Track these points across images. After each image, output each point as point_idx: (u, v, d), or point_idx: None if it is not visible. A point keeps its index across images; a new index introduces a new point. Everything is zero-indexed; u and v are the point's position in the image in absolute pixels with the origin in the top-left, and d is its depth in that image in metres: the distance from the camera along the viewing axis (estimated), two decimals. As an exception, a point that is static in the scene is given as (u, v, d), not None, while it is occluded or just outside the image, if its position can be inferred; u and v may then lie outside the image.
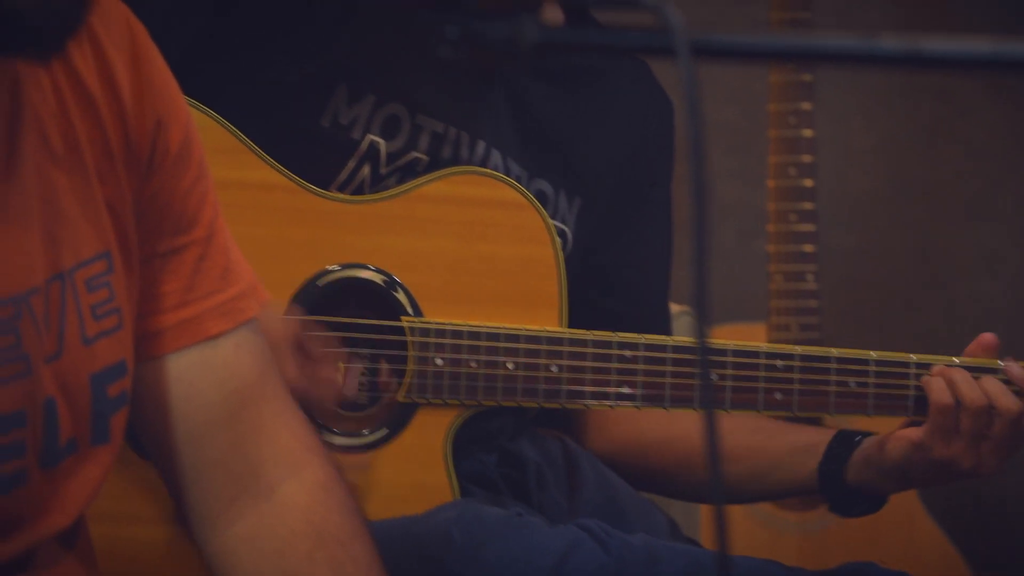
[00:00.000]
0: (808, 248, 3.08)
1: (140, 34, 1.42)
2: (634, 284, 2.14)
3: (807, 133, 3.07)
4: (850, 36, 0.97)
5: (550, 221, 1.97)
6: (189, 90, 1.50)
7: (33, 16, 1.16)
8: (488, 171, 1.99)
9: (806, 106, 3.05)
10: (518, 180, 2.01)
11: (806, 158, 3.07)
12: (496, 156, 2.01)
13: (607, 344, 1.96)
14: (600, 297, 2.10)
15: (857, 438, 2.00)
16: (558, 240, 1.97)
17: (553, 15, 1.15)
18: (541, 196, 2.03)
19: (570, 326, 1.97)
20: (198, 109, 1.84)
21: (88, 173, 1.36)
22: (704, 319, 1.01)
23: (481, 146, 2.00)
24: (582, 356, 1.96)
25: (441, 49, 1.08)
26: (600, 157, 2.09)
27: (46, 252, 1.33)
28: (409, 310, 1.95)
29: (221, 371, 1.47)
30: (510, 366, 1.95)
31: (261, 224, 1.93)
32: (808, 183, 3.07)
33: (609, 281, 2.12)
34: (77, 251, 1.36)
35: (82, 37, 1.35)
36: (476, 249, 1.97)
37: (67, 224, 1.34)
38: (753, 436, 2.07)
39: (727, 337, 2.07)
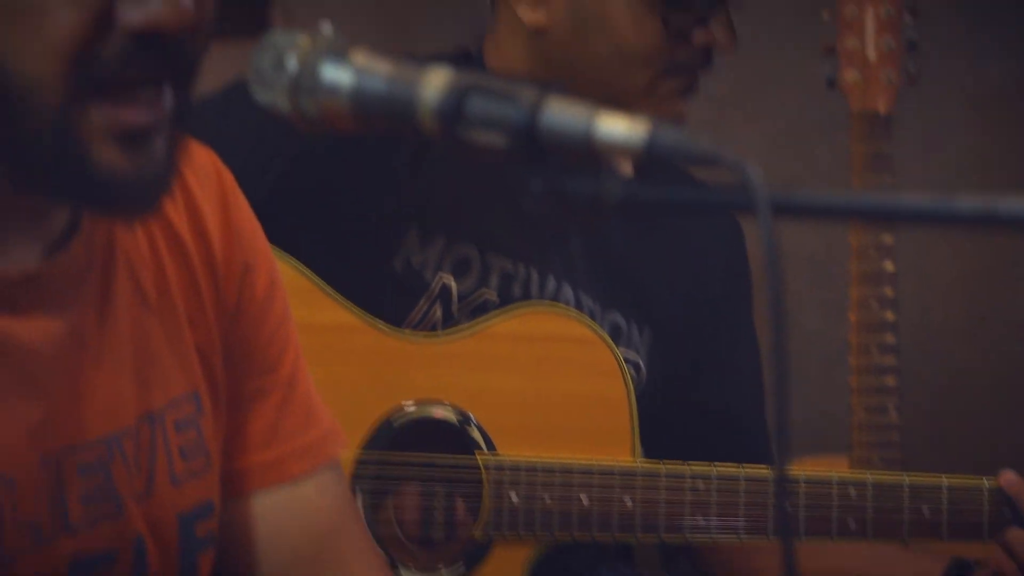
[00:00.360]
0: (890, 381, 3.07)
1: (228, 181, 1.48)
2: (726, 412, 2.15)
3: (888, 266, 3.06)
4: (927, 197, 0.98)
5: (620, 356, 1.99)
6: (267, 233, 1.54)
7: (128, 184, 1.20)
8: (559, 306, 2.01)
9: (888, 239, 3.05)
10: (591, 313, 2.03)
11: (888, 291, 3.06)
12: (567, 290, 2.04)
13: (680, 476, 1.97)
14: (692, 428, 2.12)
15: (970, 566, 2.00)
16: (629, 374, 1.99)
17: (626, 167, 1.17)
18: (614, 328, 2.05)
19: (664, 459, 1.98)
20: (275, 253, 1.88)
21: (179, 318, 1.41)
22: (783, 450, 1.02)
23: (552, 282, 2.03)
24: (655, 488, 1.97)
25: (525, 203, 1.10)
26: (672, 287, 2.11)
27: (137, 394, 1.37)
28: (483, 446, 1.97)
29: (303, 511, 1.50)
30: (584, 500, 1.96)
31: (336, 364, 1.96)
32: (890, 316, 3.06)
33: (699, 411, 2.13)
34: (167, 393, 1.39)
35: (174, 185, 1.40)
36: (548, 385, 1.99)
37: (158, 367, 1.39)
38: (874, 567, 2.07)
39: (809, 470, 2.07)
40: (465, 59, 2.07)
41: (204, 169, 1.46)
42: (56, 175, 1.19)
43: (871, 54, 2.80)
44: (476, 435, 1.98)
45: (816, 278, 3.66)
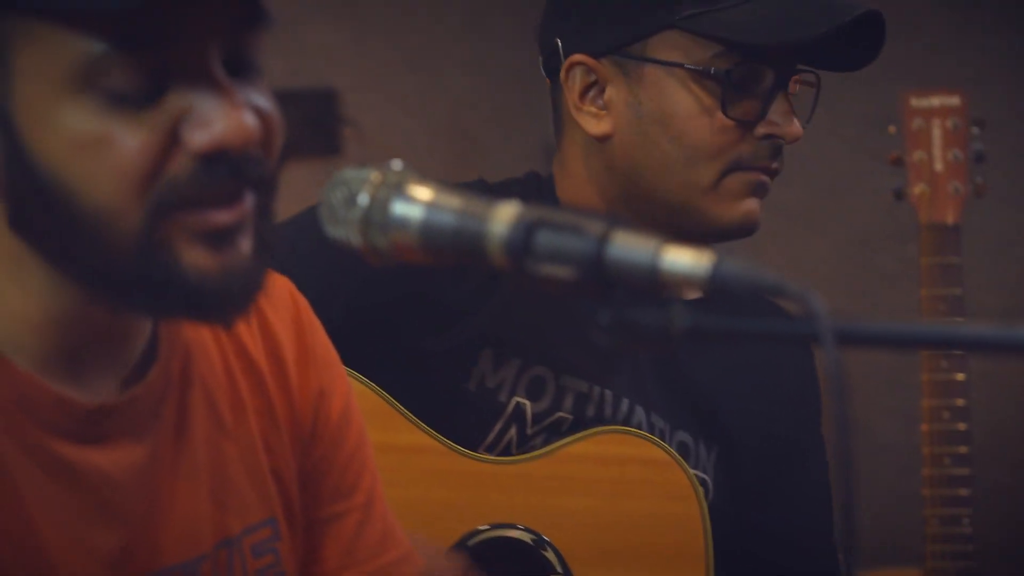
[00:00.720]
0: (963, 492, 3.05)
1: (303, 307, 1.50)
2: (794, 532, 2.14)
3: (959, 377, 3.05)
4: (993, 326, 0.99)
5: (695, 478, 1.99)
6: (340, 356, 1.56)
7: (219, 284, 1.22)
8: (633, 430, 2.02)
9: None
10: (660, 433, 2.04)
11: (959, 401, 3.05)
12: (640, 412, 2.05)
13: None
14: (761, 547, 2.11)
15: None
16: (703, 497, 1.99)
17: (693, 293, 1.19)
18: (683, 447, 2.05)
19: None
20: (349, 375, 1.91)
21: (255, 443, 1.43)
22: (852, 562, 1.03)
23: (625, 403, 2.04)
24: None
25: (594, 335, 1.12)
26: (741, 406, 2.11)
27: (215, 519, 1.39)
28: (559, 568, 1.97)
29: None
30: None
31: (412, 486, 1.98)
32: (962, 426, 3.05)
33: (768, 531, 2.12)
34: (244, 518, 1.41)
35: (248, 312, 1.43)
36: (623, 507, 1.99)
37: (235, 491, 1.40)
38: None
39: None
40: (535, 181, 2.10)
41: (279, 295, 1.48)
42: (146, 288, 1.21)
43: (938, 166, 2.82)
44: (551, 557, 1.98)
45: (888, 388, 3.65)
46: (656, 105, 1.95)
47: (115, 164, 1.17)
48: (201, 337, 1.40)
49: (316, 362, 1.48)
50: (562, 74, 2.01)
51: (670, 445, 2.03)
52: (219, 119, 1.18)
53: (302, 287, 1.55)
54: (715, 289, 1.07)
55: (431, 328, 2.01)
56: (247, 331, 1.44)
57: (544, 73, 2.05)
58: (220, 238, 1.21)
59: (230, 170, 1.20)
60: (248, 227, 1.23)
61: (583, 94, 1.99)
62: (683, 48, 1.93)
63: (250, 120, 1.20)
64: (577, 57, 1.99)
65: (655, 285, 1.09)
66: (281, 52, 3.23)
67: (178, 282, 1.20)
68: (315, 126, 3.47)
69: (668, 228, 1.90)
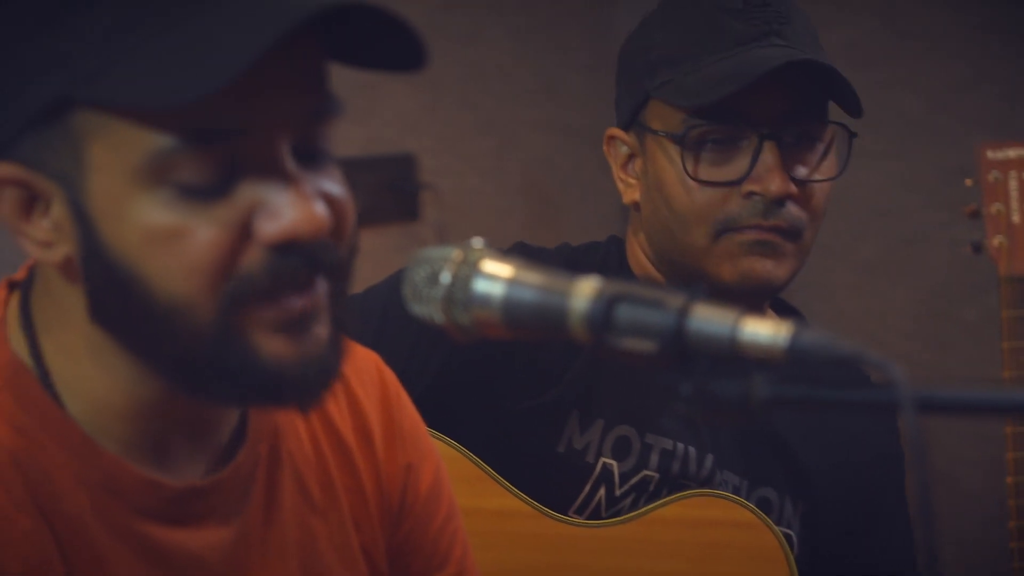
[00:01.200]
0: (1050, 544, 3.01)
1: (390, 381, 1.52)
2: None
3: (1044, 429, 3.02)
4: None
5: (784, 541, 1.99)
6: (430, 421, 1.57)
7: (296, 371, 1.24)
8: (721, 493, 2.02)
9: (1042, 402, 3.00)
10: (735, 490, 2.04)
11: (1043, 455, 3.02)
12: (724, 468, 2.05)
13: None
14: None
15: None
16: (793, 559, 1.99)
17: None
18: (765, 503, 2.06)
19: None
20: (439, 439, 1.93)
21: (344, 520, 1.44)
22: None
23: (709, 460, 2.05)
24: None
25: (675, 405, 1.14)
26: (824, 462, 2.11)
27: (305, 596, 1.40)
28: (649, 632, 1.98)
29: None
30: None
31: (503, 550, 1.99)
32: (1047, 480, 3.02)
33: None
34: (334, 594, 1.42)
35: (336, 389, 1.45)
36: (712, 570, 2.00)
37: (325, 569, 1.42)
38: None
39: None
40: (615, 246, 2.14)
41: (366, 370, 1.50)
42: (224, 377, 1.23)
43: (1015, 218, 2.81)
44: (641, 620, 1.99)
45: (972, 440, 3.63)
46: (654, 173, 2.02)
47: (189, 257, 1.19)
48: (290, 415, 1.42)
49: (404, 437, 1.50)
50: (604, 146, 2.09)
51: (750, 501, 2.04)
52: (289, 210, 1.20)
53: (391, 353, 1.57)
54: (794, 360, 1.09)
55: (519, 391, 2.03)
56: (335, 407, 1.46)
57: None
58: (295, 326, 1.23)
59: (302, 259, 1.22)
60: (323, 313, 1.25)
61: (623, 165, 2.07)
62: (662, 116, 2.00)
63: (320, 210, 1.22)
64: (612, 130, 2.07)
65: (734, 357, 1.11)
66: (358, 119, 3.26)
67: (255, 371, 1.23)
68: (393, 191, 3.51)
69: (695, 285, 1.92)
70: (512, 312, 1.18)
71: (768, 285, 1.99)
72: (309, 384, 1.25)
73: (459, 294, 1.19)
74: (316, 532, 1.41)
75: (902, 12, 3.61)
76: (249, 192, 1.21)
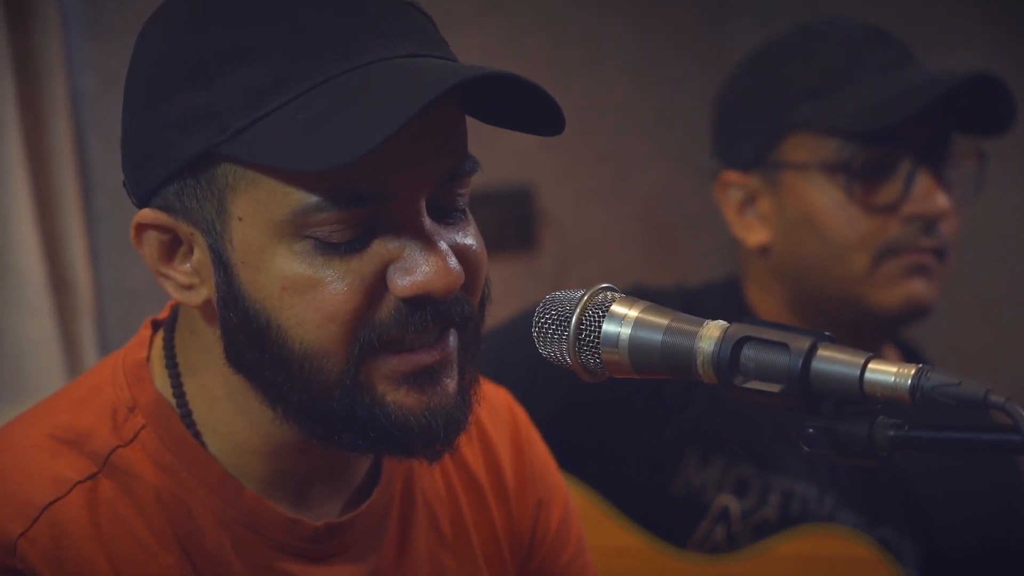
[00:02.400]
0: None
1: (522, 419, 1.54)
2: None
3: None
4: None
5: None
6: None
7: (423, 423, 1.27)
8: (841, 528, 2.02)
9: None
10: (855, 526, 2.04)
11: None
12: (843, 507, 2.05)
13: None
14: None
15: None
16: None
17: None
18: (883, 542, 2.05)
19: None
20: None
21: (476, 557, 1.47)
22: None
23: (829, 499, 2.04)
24: None
25: (801, 446, 1.15)
26: (946, 501, 2.10)
27: (440, 632, 1.43)
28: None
29: None
30: None
31: None
32: None
33: None
34: (465, 632, 1.45)
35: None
36: None
37: None
38: None
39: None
40: (732, 287, 2.14)
41: (498, 409, 1.53)
42: (352, 426, 1.27)
43: None
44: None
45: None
46: (798, 208, 1.99)
47: (324, 307, 1.23)
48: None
49: (535, 474, 1.52)
50: (717, 192, 2.07)
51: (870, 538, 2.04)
52: (424, 266, 1.24)
53: (515, 390, 1.59)
54: (919, 402, 1.10)
55: (639, 428, 2.05)
56: (468, 446, 1.48)
57: (712, 183, 2.11)
58: (423, 378, 1.27)
59: (433, 313, 1.26)
60: (452, 366, 1.29)
61: (739, 210, 2.05)
62: (809, 147, 1.98)
63: (454, 265, 1.25)
64: (728, 176, 2.05)
65: (860, 399, 1.12)
66: (478, 153, 3.29)
67: (383, 421, 1.26)
68: (513, 223, 3.55)
69: (841, 323, 1.92)
70: (639, 353, 1.21)
71: (926, 308, 1.99)
72: (435, 435, 1.28)
73: (587, 337, 1.22)
74: (448, 568, 1.44)
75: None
76: (385, 247, 1.25)
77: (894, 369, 1.11)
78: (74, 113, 2.58)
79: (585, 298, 1.23)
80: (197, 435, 1.32)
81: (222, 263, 1.25)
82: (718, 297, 2.12)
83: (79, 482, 1.28)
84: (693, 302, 2.09)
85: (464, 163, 1.29)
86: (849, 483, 2.07)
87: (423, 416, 1.27)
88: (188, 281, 1.28)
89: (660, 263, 3.87)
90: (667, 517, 2.04)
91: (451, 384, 1.28)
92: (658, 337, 1.20)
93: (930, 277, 2.00)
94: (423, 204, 1.26)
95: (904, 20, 3.63)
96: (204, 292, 1.28)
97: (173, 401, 1.33)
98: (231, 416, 1.31)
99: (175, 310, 1.38)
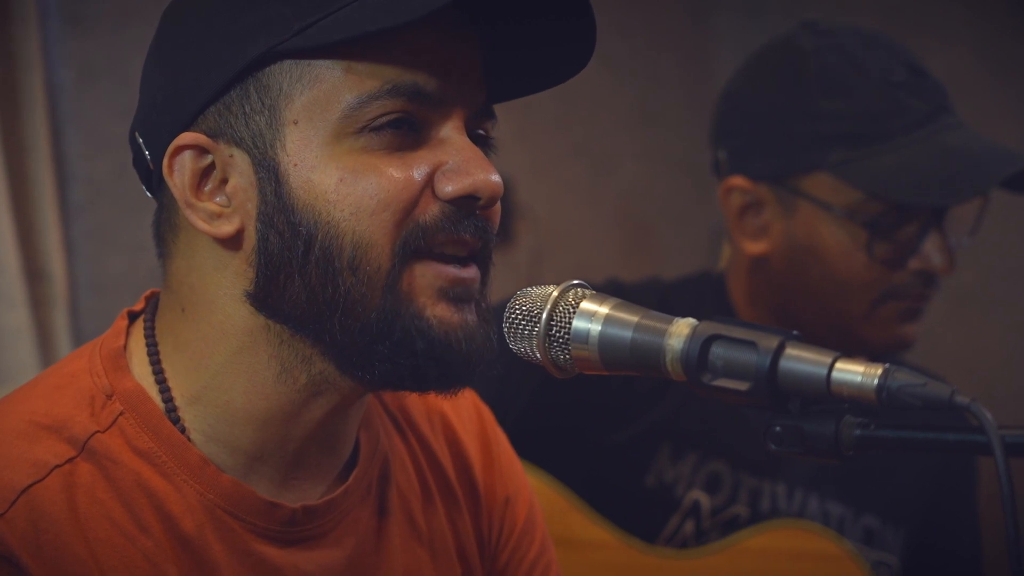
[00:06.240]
0: None
1: (487, 417, 1.56)
2: None
3: None
4: None
5: (870, 572, 2.00)
6: (521, 451, 1.61)
7: (460, 340, 1.30)
8: (809, 524, 2.04)
9: None
10: (840, 520, 2.05)
11: None
12: (813, 502, 2.07)
13: None
14: None
15: None
16: None
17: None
18: (868, 532, 2.06)
19: None
20: (529, 469, 1.96)
21: (448, 551, 1.48)
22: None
23: (799, 494, 2.06)
24: None
25: (767, 444, 1.16)
26: (916, 480, 2.12)
27: (410, 623, 1.44)
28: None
29: None
30: None
31: None
32: None
33: None
34: (439, 622, 1.46)
35: (437, 425, 1.49)
36: None
37: None
38: None
39: None
40: (708, 281, 2.14)
41: (464, 406, 1.54)
42: (393, 339, 1.29)
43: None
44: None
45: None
46: (808, 238, 2.00)
47: (381, 192, 1.28)
48: (397, 448, 1.47)
49: (502, 471, 1.54)
50: (721, 192, 2.07)
51: (855, 531, 2.05)
52: (475, 170, 1.30)
53: (485, 383, 1.60)
54: (885, 402, 1.11)
55: (611, 422, 2.06)
56: (437, 442, 1.50)
57: (715, 173, 2.10)
58: (460, 293, 1.31)
59: (472, 228, 1.31)
60: (475, 295, 1.32)
61: (741, 214, 2.05)
62: (833, 189, 1.99)
63: (497, 176, 1.31)
64: (736, 180, 2.05)
65: (826, 398, 1.13)
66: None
67: (425, 334, 1.29)
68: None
69: (822, 336, 1.94)
70: (609, 350, 1.22)
71: (911, 345, 2.04)
72: (471, 357, 1.31)
73: (557, 333, 1.23)
74: (421, 561, 1.45)
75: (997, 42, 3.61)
76: (434, 152, 1.30)
77: (861, 369, 1.12)
78: (51, 105, 2.59)
79: (556, 294, 1.24)
80: (177, 421, 1.33)
81: (270, 172, 1.29)
82: (696, 291, 2.13)
83: (57, 466, 1.29)
84: (669, 296, 2.11)
85: (490, 104, 1.36)
86: (833, 474, 2.08)
87: (462, 334, 1.30)
88: (219, 210, 1.31)
89: (636, 258, 3.88)
90: (638, 511, 2.05)
91: (475, 313, 1.32)
92: (628, 334, 1.21)
93: (920, 317, 2.04)
94: (465, 122, 1.32)
95: (888, 19, 3.64)
96: (236, 220, 1.31)
97: (155, 388, 1.34)
98: (233, 383, 1.33)
99: (153, 300, 1.39)
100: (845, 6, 3.70)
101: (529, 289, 1.26)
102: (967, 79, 3.26)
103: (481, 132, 1.35)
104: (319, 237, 1.28)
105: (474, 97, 1.33)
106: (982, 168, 1.95)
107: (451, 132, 1.31)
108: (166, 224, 1.35)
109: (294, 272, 1.29)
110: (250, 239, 1.30)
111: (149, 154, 1.33)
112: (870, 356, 2.00)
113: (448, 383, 1.33)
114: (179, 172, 1.31)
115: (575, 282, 1.25)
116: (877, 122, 1.96)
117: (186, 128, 1.31)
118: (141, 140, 1.34)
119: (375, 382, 1.32)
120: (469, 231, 1.31)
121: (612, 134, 3.91)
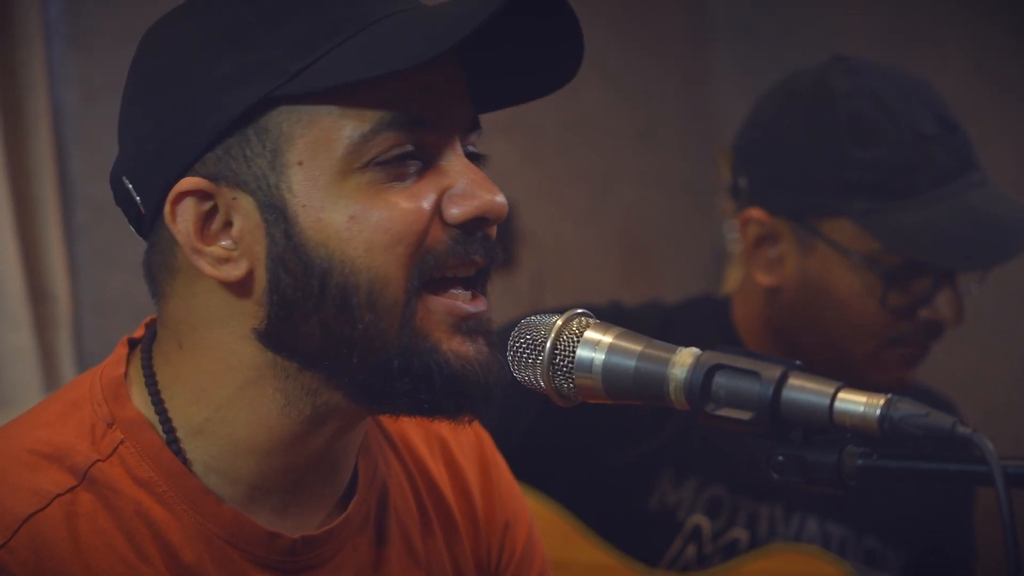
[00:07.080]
0: None
1: (487, 443, 1.56)
2: None
3: None
4: None
5: None
6: (522, 475, 1.61)
7: (476, 372, 1.31)
8: (809, 547, 2.04)
9: None
10: (842, 542, 2.06)
11: None
12: (812, 525, 2.07)
13: None
14: None
15: None
16: None
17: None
18: (869, 554, 2.07)
19: None
20: (531, 494, 1.96)
21: (447, 575, 1.47)
22: None
23: (796, 517, 2.07)
24: None
25: (770, 473, 1.17)
26: (916, 501, 2.13)
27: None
28: None
29: None
30: None
31: None
32: None
33: None
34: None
35: (436, 450, 1.50)
36: None
37: None
38: None
39: None
40: (711, 306, 2.15)
41: (464, 432, 1.55)
42: (411, 373, 1.29)
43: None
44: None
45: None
46: (822, 278, 2.01)
47: (393, 226, 1.28)
48: (395, 474, 1.47)
49: (502, 496, 1.54)
50: (739, 222, 2.08)
51: (856, 553, 2.06)
52: (480, 192, 1.30)
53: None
54: (888, 432, 1.12)
55: (613, 447, 2.06)
56: (436, 467, 1.50)
57: (732, 197, 2.11)
58: (471, 330, 1.31)
59: (481, 247, 1.32)
60: (486, 327, 1.33)
61: (756, 244, 2.06)
62: (853, 236, 1.99)
63: (502, 199, 1.32)
64: (755, 213, 2.05)
65: (829, 428, 1.14)
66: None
67: (443, 369, 1.29)
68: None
69: (825, 374, 1.95)
70: (612, 379, 1.22)
71: (909, 386, 2.05)
72: (487, 388, 1.32)
73: (561, 362, 1.24)
74: None
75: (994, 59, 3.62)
76: (438, 177, 1.31)
77: (863, 399, 1.13)
78: (55, 125, 2.59)
79: (559, 323, 1.25)
80: (178, 452, 1.33)
81: (279, 215, 1.28)
82: (699, 316, 2.13)
83: (59, 495, 1.29)
84: (672, 320, 2.11)
85: (477, 117, 1.37)
86: (831, 497, 2.09)
87: (477, 366, 1.31)
88: (226, 254, 1.30)
89: (638, 282, 3.89)
90: (640, 535, 2.05)
91: (486, 344, 1.32)
92: (631, 363, 1.22)
93: (921, 362, 2.06)
94: (459, 141, 1.33)
95: (888, 41, 3.65)
96: (243, 264, 1.30)
97: (155, 417, 1.34)
98: (236, 414, 1.32)
99: (151, 328, 1.39)
100: (846, 30, 3.71)
101: (532, 318, 1.27)
102: (967, 101, 3.27)
103: (471, 148, 1.35)
104: (334, 275, 1.28)
105: (465, 115, 1.34)
106: (1006, 236, 1.97)
107: (450, 155, 1.32)
108: (160, 266, 1.34)
109: (310, 311, 1.29)
110: (260, 281, 1.30)
111: (140, 199, 1.32)
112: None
113: (466, 413, 1.33)
114: (182, 219, 1.30)
115: (579, 310, 1.26)
116: (904, 175, 1.97)
117: (183, 173, 1.30)
118: (130, 185, 1.33)
119: (392, 413, 1.33)
120: (479, 253, 1.32)
121: (612, 157, 3.92)
